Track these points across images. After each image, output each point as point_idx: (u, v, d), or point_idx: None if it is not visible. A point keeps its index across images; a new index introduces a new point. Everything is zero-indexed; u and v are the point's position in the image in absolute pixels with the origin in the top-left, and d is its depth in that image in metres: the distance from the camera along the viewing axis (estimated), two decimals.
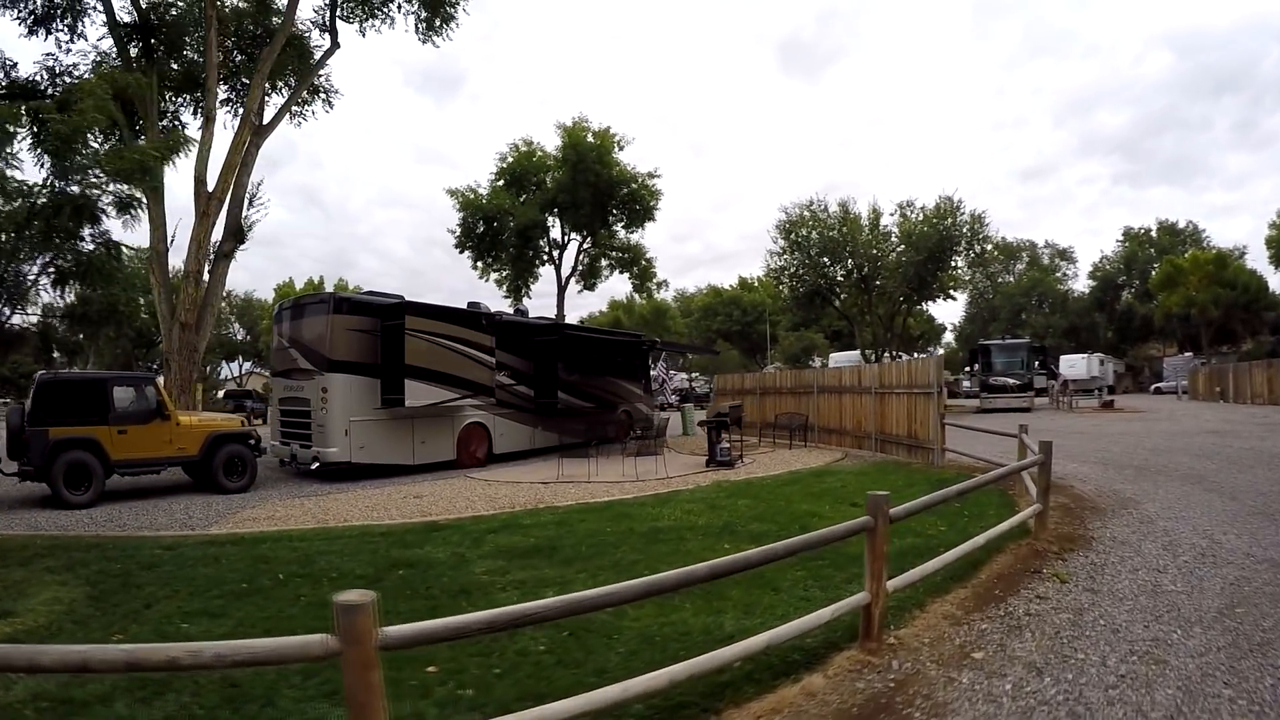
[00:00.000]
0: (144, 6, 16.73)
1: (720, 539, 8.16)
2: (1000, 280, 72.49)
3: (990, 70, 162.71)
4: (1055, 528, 8.14)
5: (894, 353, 36.30)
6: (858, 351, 37.10)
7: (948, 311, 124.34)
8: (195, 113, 19.74)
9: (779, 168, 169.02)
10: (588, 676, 4.21)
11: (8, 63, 16.82)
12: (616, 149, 32.14)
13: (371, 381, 15.05)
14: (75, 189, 14.01)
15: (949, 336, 71.71)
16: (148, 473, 12.97)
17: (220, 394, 45.00)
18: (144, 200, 14.61)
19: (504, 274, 34.14)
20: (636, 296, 38.08)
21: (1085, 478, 11.96)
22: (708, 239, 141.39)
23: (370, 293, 16.43)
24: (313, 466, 14.63)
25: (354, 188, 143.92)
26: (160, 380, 13.82)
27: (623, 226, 33.49)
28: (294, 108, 21.70)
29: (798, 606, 5.57)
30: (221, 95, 19.71)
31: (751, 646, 4.03)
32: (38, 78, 17.21)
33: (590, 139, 30.88)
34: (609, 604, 3.42)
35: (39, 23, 16.51)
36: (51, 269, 14.12)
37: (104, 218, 14.55)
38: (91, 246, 14.41)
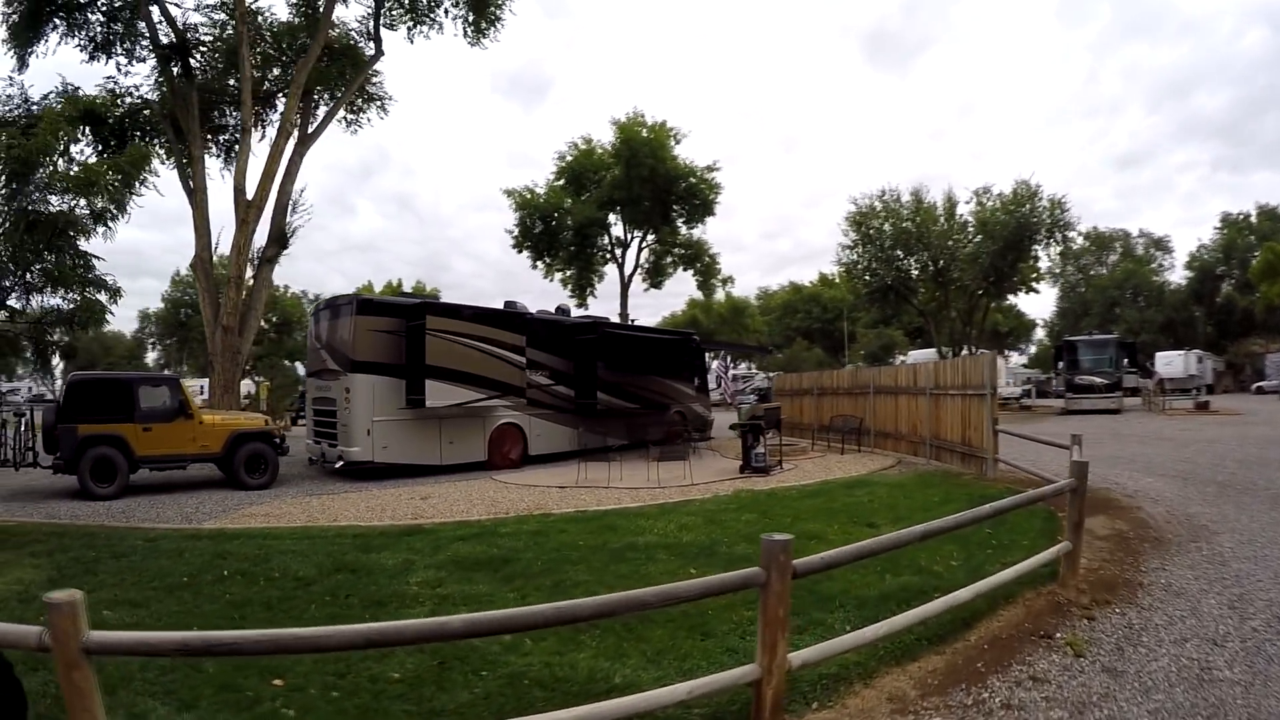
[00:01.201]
0: (181, 28, 17.24)
1: (693, 561, 7.11)
2: (1092, 272, 66.26)
3: (1080, 54, 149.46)
4: (1098, 568, 6.53)
5: (973, 350, 33.45)
6: (934, 350, 34.49)
7: (1039, 306, 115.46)
8: (256, 123, 20.34)
9: (870, 162, 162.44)
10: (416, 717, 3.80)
11: (69, 86, 17.75)
12: (673, 142, 31.05)
13: (396, 382, 14.82)
14: (54, 207, 14.59)
15: (1040, 333, 66.10)
16: (173, 468, 13.32)
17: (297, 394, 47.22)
18: (115, 213, 15.08)
19: (568, 274, 33.68)
20: (703, 294, 36.35)
21: (1158, 496, 10.01)
22: (799, 236, 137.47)
23: (400, 293, 16.34)
24: (337, 465, 14.55)
25: (447, 193, 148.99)
26: (183, 381, 14.06)
27: (683, 222, 32.45)
28: (348, 115, 22.08)
29: (717, 660, 4.56)
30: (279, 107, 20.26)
31: (607, 713, 3.12)
32: (99, 99, 18.12)
33: (644, 134, 29.87)
34: (392, 643, 3.27)
35: (99, 48, 17.33)
36: (20, 282, 14.82)
37: (85, 230, 14.96)
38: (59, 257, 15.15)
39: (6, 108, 16.78)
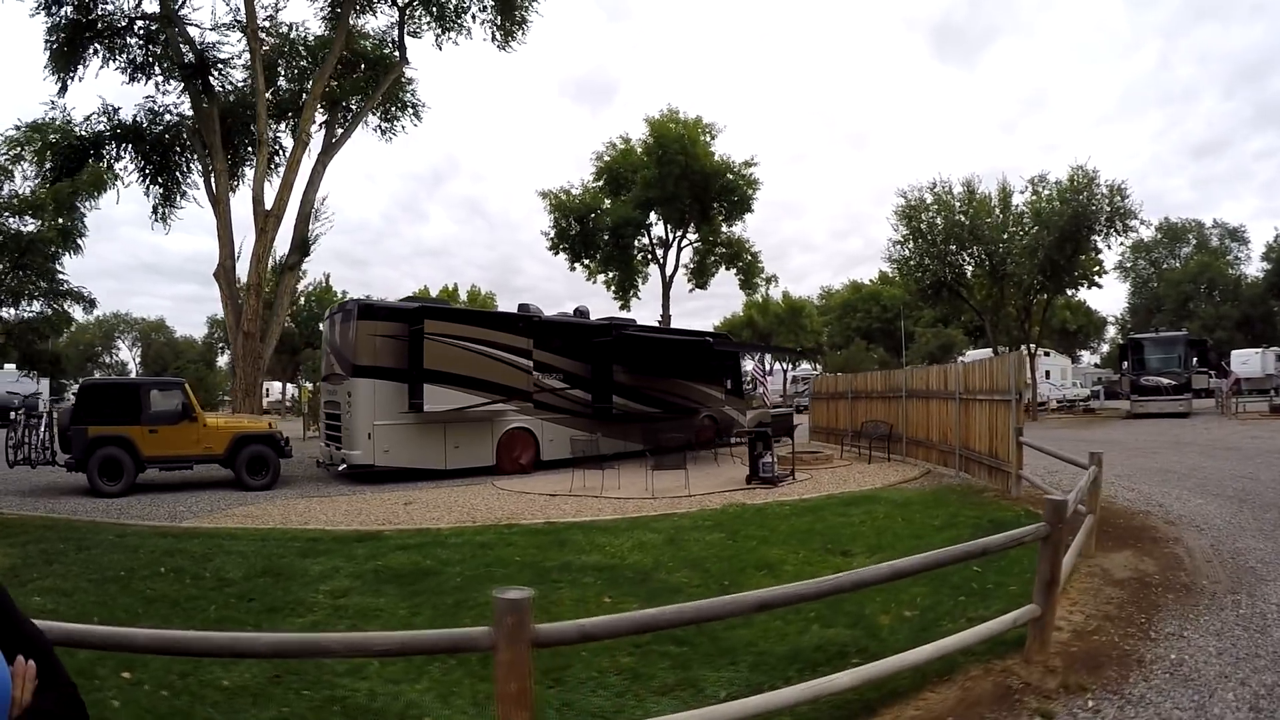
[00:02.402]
0: (200, 47, 17.38)
1: (618, 588, 6.18)
2: (1165, 266, 60.14)
3: (1150, 39, 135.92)
4: (1093, 629, 5.05)
5: (1032, 350, 30.49)
6: (991, 350, 31.73)
7: (1110, 302, 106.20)
8: (292, 135, 20.47)
9: (940, 157, 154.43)
10: None
11: (110, 107, 18.30)
12: (708, 137, 29.49)
13: (399, 386, 14.41)
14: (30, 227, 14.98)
15: (1112, 330, 60.46)
16: (179, 468, 13.42)
17: None
18: (79, 230, 15.39)
19: (611, 276, 32.65)
20: (745, 293, 34.61)
21: (1205, 523, 8.18)
22: (869, 234, 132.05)
23: (407, 298, 15.95)
24: (340, 468, 14.38)
25: (517, 197, 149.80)
26: (187, 385, 14.07)
27: (722, 219, 30.87)
28: (383, 123, 21.97)
29: None
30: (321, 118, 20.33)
31: None
32: (139, 119, 18.56)
33: (677, 130, 28.42)
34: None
35: (139, 70, 17.70)
36: None
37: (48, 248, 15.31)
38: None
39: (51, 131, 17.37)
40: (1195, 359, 29.38)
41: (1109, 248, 26.73)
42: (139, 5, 17.81)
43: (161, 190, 19.23)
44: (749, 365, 26.85)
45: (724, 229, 31.44)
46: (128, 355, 76.52)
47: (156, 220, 19.39)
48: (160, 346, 72.79)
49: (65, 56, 17.14)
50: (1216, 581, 6.10)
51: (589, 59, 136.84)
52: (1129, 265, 61.16)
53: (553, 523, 9.42)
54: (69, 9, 17.28)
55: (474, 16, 21.27)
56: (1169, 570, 6.47)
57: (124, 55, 17.71)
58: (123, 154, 18.57)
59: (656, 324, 21.15)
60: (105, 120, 18.03)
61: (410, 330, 14.46)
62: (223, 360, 44.30)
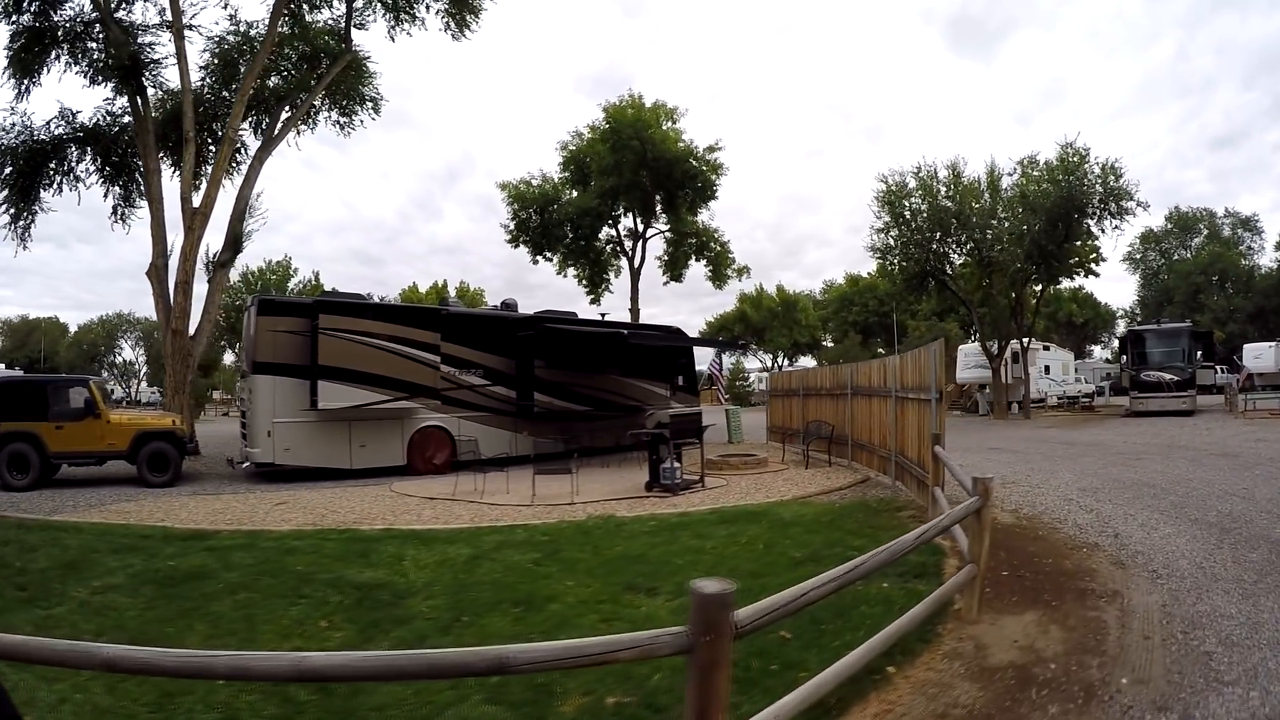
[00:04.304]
0: (131, 48, 15.73)
1: (355, 613, 4.85)
2: (1175, 256, 54.27)
3: (1169, 30, 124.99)
4: None
5: (1025, 343, 26.82)
6: (978, 344, 28.13)
7: (1120, 295, 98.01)
8: (256, 133, 18.84)
9: (956, 149, 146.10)
10: None
11: (70, 111, 16.94)
12: (669, 123, 26.27)
13: (300, 383, 12.54)
14: None
15: (1122, 324, 54.77)
16: (86, 464, 12.58)
17: None
18: None
19: (581, 270, 29.56)
20: (715, 285, 30.71)
21: (1166, 567, 5.35)
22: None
23: (329, 291, 14.00)
24: (244, 466, 12.93)
25: None
26: (94, 382, 12.97)
27: (686, 208, 27.59)
28: (341, 118, 20.17)
29: None
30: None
31: None
32: (99, 121, 17.11)
33: (634, 115, 25.40)
34: None
35: (99, 73, 16.20)
36: None
37: None
38: None
39: (10, 136, 16.06)
40: (1200, 353, 25.35)
41: (1103, 232, 22.90)
42: (87, 9, 16.31)
43: (121, 191, 17.80)
44: (705, 363, 24.01)
45: (689, 218, 28.10)
46: (131, 355, 71.27)
47: (116, 220, 18.01)
48: (163, 346, 71.48)
49: (24, 63, 15.87)
50: (1143, 680, 3.49)
51: (604, 55, 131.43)
52: (1138, 256, 55.80)
53: (390, 529, 7.93)
54: (27, 15, 15.93)
55: (428, 6, 19.29)
56: (1078, 654, 3.87)
57: (85, 59, 16.31)
58: (83, 156, 17.20)
59: (599, 318, 18.50)
60: (64, 124, 16.68)
61: (310, 325, 12.51)
62: (229, 359, 43.21)
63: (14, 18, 15.92)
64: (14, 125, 16.53)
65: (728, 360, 55.37)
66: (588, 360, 15.59)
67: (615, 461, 14.22)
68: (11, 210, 16.65)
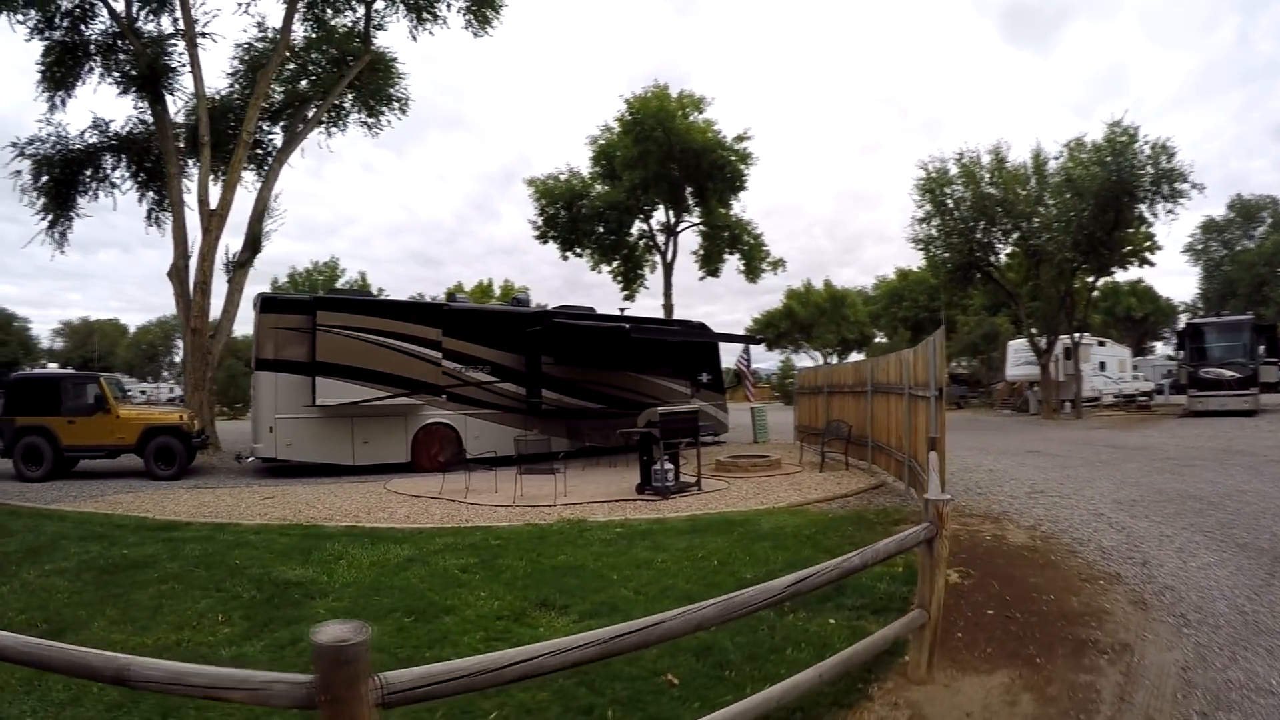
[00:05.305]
0: (149, 57, 15.90)
1: (256, 611, 4.63)
2: (1238, 247, 49.00)
3: (1228, 15, 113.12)
4: None
5: (1076, 338, 24.45)
6: (1024, 339, 25.82)
7: (1181, 288, 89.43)
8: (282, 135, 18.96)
9: (1016, 141, 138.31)
10: None
11: (102, 121, 17.44)
12: (695, 113, 25.04)
13: (302, 380, 12.33)
14: None
15: (1184, 319, 49.94)
16: (98, 457, 12.76)
17: None
18: None
19: (615, 266, 28.69)
20: (748, 279, 29.20)
21: (1200, 610, 4.19)
22: None
23: (338, 288, 13.80)
24: (247, 461, 12.97)
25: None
26: (104, 378, 13.09)
27: (715, 200, 26.39)
28: (368, 119, 20.14)
29: None
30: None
31: None
32: (132, 129, 17.49)
33: (655, 105, 24.27)
34: None
35: (131, 83, 16.51)
36: None
37: None
38: None
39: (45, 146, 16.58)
40: (1264, 347, 22.53)
41: (1156, 217, 20.48)
42: (129, 21, 16.64)
43: (155, 195, 18.21)
44: (732, 358, 22.80)
45: (720, 210, 26.85)
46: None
47: (151, 224, 18.47)
48: (240, 345, 74.02)
49: (58, 78, 16.38)
50: None
51: (657, 54, 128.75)
52: (1199, 247, 51.00)
53: (354, 527, 7.63)
54: (59, 31, 16.40)
55: (448, 5, 18.97)
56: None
57: (117, 70, 16.69)
58: (118, 163, 17.66)
59: (618, 313, 17.70)
60: (98, 133, 17.17)
61: (310, 322, 12.30)
62: None
63: (46, 34, 16.40)
64: (49, 136, 17.13)
65: (776, 357, 53.76)
66: (600, 356, 14.90)
67: (625, 461, 13.54)
68: (50, 217, 17.23)
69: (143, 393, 54.52)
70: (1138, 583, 4.90)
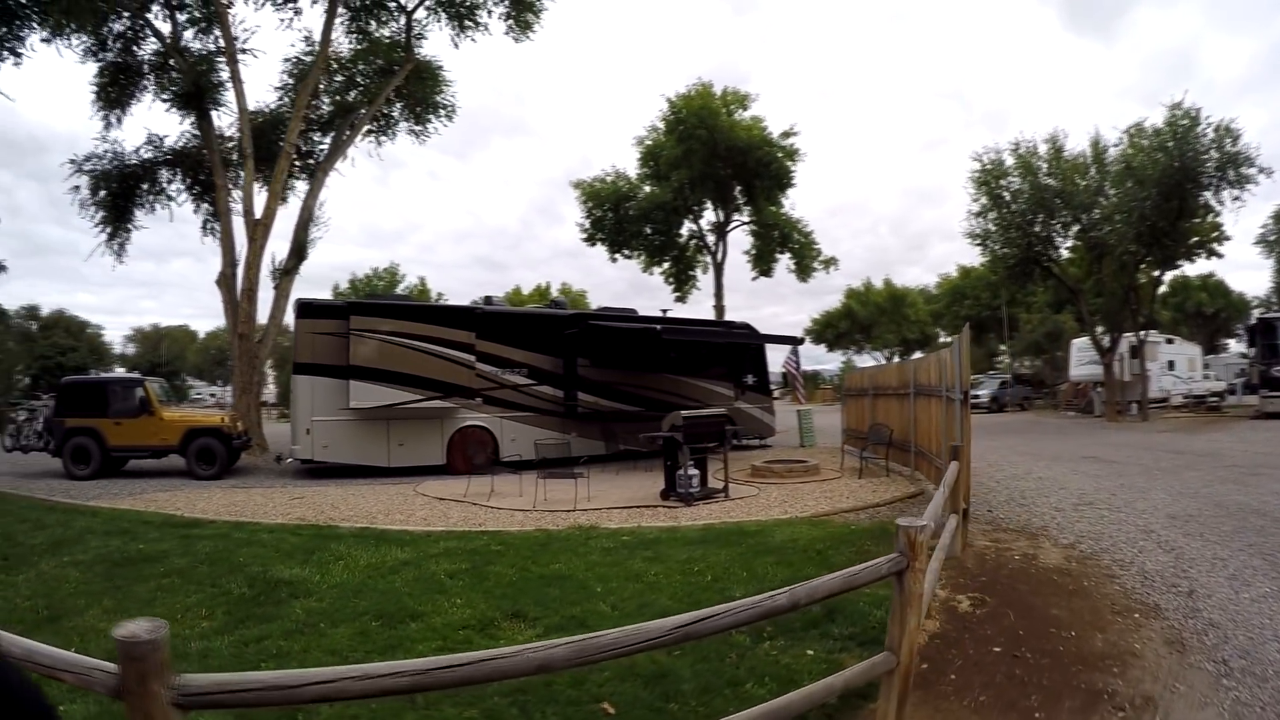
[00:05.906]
0: (194, 74, 16.66)
1: (233, 609, 4.78)
2: None
3: None
4: None
5: (1140, 336, 22.69)
6: (1087, 337, 24.10)
7: (1255, 282, 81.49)
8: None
9: (1082, 132, 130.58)
10: None
11: (156, 136, 18.49)
12: (740, 110, 24.51)
13: (339, 383, 12.70)
14: None
15: (1259, 315, 45.53)
16: (143, 457, 13.27)
17: None
18: None
19: (667, 268, 28.52)
20: (799, 278, 28.42)
21: (1255, 650, 3.71)
22: None
23: (369, 293, 14.17)
24: (286, 462, 13.47)
25: None
26: (147, 382, 13.64)
27: (764, 198, 25.85)
28: (415, 127, 20.65)
29: None
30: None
31: None
32: (186, 144, 18.41)
33: (698, 103, 23.99)
34: None
35: (183, 101, 17.39)
36: None
37: None
38: None
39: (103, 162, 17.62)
40: None
41: (1222, 205, 18.78)
42: (175, 41, 17.55)
43: (209, 207, 19.14)
44: (779, 360, 22.22)
45: (769, 208, 26.27)
46: None
47: (206, 234, 19.43)
48: (285, 350, 76.43)
49: (112, 97, 17.34)
50: None
51: (716, 54, 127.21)
52: (1272, 238, 46.79)
53: (368, 528, 7.74)
54: (111, 53, 17.40)
55: (489, 11, 19.21)
56: None
57: (171, 88, 17.61)
58: (173, 177, 18.66)
59: (659, 313, 17.45)
60: (152, 149, 18.17)
61: (344, 326, 12.67)
62: None
63: (99, 55, 17.38)
64: (106, 152, 18.20)
65: (838, 358, 52.49)
66: (638, 358, 14.74)
67: (660, 466, 13.39)
68: (109, 230, 18.33)
69: (212, 395, 57.73)
70: (1178, 618, 4.42)
